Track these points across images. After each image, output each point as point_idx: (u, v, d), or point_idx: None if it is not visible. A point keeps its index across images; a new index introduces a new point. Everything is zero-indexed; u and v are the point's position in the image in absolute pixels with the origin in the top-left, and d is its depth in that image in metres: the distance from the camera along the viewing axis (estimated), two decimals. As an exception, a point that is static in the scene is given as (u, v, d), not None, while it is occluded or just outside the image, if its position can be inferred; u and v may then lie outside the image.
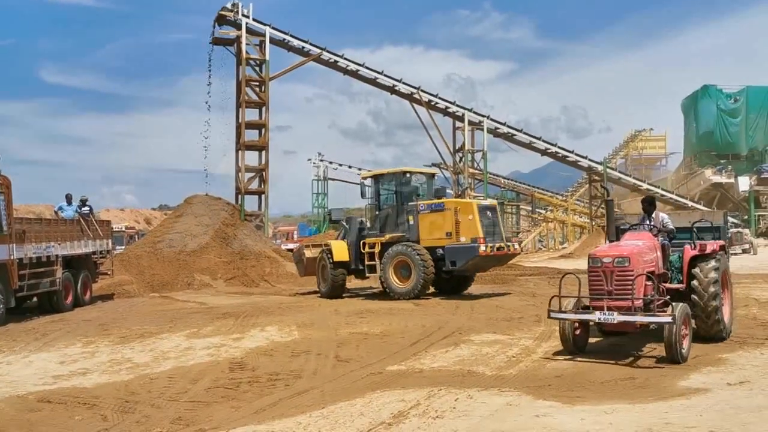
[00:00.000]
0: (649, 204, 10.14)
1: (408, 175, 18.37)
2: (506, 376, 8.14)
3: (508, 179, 53.72)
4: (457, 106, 40.03)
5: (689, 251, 9.70)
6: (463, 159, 40.46)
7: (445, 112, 40.06)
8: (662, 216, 10.00)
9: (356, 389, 7.67)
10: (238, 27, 33.32)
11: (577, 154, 42.86)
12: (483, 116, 40.43)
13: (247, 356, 9.79)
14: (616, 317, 8.37)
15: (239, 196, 32.49)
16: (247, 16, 33.27)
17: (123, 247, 30.59)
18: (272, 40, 34.18)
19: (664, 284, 9.47)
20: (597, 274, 8.75)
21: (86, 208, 19.29)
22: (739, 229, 38.74)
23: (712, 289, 9.34)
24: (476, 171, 41.68)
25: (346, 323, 12.70)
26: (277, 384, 8.19)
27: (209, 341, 11.17)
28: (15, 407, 7.45)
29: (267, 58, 33.74)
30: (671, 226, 9.89)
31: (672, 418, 6.05)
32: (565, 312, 8.88)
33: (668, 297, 9.10)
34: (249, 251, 26.48)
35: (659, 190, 45.95)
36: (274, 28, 34.19)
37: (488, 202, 19.36)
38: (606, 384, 7.56)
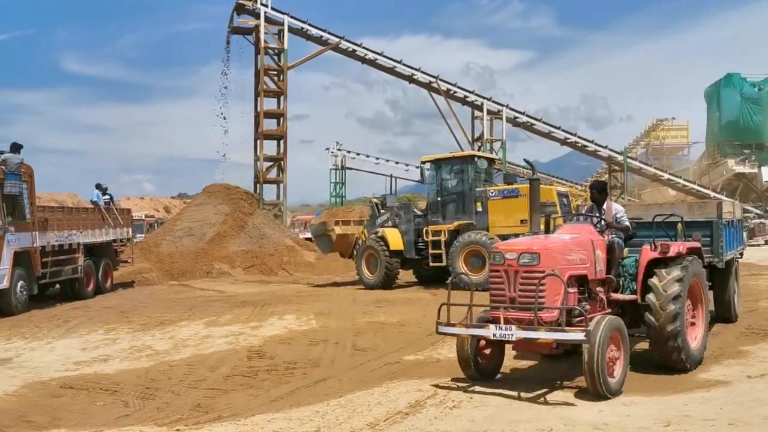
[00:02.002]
0: (599, 192, 8.41)
1: (475, 159, 17.65)
2: (523, 366, 8.13)
3: (527, 169, 53.40)
4: (476, 95, 39.85)
5: (647, 253, 7.69)
6: (482, 148, 40.30)
7: (463, 101, 39.90)
8: (616, 207, 8.26)
9: (374, 378, 7.70)
10: (257, 16, 33.40)
11: (597, 144, 42.51)
12: (502, 105, 40.22)
13: (266, 345, 9.86)
14: (515, 332, 6.48)
15: (258, 185, 32.64)
16: (266, 5, 33.34)
17: (143, 235, 30.88)
18: (291, 29, 34.23)
19: (612, 294, 7.70)
20: (498, 275, 6.87)
21: (107, 197, 19.52)
22: (762, 220, 38.22)
23: (671, 307, 7.25)
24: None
25: (364, 312, 12.74)
26: (295, 372, 8.25)
27: (228, 329, 11.27)
28: (38, 393, 7.58)
29: (285, 47, 33.78)
30: (626, 222, 8.13)
31: (691, 410, 6.01)
32: (454, 326, 6.93)
33: (609, 311, 7.47)
34: (267, 240, 26.61)
35: (681, 181, 45.44)
36: (292, 17, 34.22)
37: (564, 188, 18.85)
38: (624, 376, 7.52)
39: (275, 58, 34.21)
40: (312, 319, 12.07)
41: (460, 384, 7.11)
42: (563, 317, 6.51)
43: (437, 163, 17.90)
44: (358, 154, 53.07)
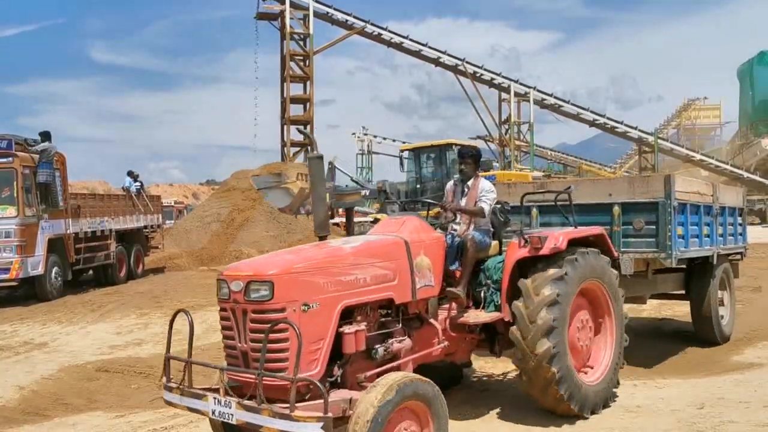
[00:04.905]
0: (472, 160, 5.85)
1: (453, 147, 17.69)
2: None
3: (554, 151, 52.81)
4: (503, 77, 39.43)
5: (515, 250, 5.43)
6: (509, 131, 39.95)
7: (490, 83, 39.52)
8: (482, 185, 5.72)
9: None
10: (282, 1, 33.34)
11: (626, 125, 41.85)
12: (529, 87, 39.75)
13: (295, 328, 9.90)
14: (235, 412, 4.01)
15: (285, 171, 32.74)
16: (291, -10, 33.26)
17: (172, 221, 31.23)
18: (316, 14, 34.15)
19: (465, 314, 5.32)
20: (226, 317, 4.49)
21: (137, 184, 19.79)
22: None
23: (543, 346, 5.05)
24: (522, 143, 41.12)
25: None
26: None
27: (258, 313, 11.34)
28: (74, 376, 7.72)
29: (311, 32, 33.73)
30: (484, 204, 5.59)
31: (725, 392, 5.94)
32: (172, 390, 4.54)
33: (445, 344, 5.14)
34: (295, 225, 26.74)
35: (714, 161, 44.60)
36: (317, 2, 34.12)
37: (539, 173, 18.79)
38: (657, 359, 7.44)
39: (301, 43, 34.18)
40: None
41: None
42: (293, 390, 3.80)
43: (416, 152, 17.88)
44: (384, 138, 53.05)
